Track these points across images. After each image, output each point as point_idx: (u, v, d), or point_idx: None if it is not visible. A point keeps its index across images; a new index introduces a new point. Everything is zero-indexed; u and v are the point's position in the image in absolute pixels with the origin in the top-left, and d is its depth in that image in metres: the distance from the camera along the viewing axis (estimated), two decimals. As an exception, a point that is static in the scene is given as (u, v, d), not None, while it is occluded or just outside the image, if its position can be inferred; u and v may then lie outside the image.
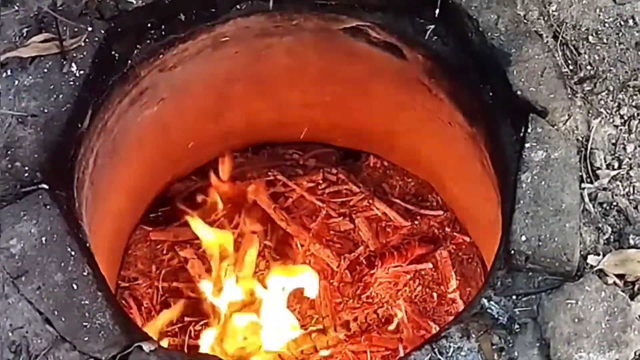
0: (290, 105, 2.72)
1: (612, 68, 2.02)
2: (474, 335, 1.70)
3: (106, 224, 2.28)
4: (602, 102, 1.98)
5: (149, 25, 2.08)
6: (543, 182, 1.82)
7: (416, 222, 2.85)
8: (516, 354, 1.67)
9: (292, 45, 2.36)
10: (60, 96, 1.87)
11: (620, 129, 1.96)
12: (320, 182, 2.94)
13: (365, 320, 2.62)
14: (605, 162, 1.92)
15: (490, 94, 2.03)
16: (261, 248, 2.80)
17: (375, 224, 2.86)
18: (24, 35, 1.96)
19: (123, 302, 2.62)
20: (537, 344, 1.68)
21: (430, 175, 2.87)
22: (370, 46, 2.27)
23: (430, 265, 2.76)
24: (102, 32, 1.97)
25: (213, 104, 2.57)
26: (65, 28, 1.93)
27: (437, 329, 2.52)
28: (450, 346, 1.69)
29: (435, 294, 2.74)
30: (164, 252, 2.77)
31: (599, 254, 1.79)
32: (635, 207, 1.86)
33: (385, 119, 2.65)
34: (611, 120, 1.97)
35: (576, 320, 1.66)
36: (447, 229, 2.84)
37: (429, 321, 2.67)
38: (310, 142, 3.01)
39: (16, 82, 1.89)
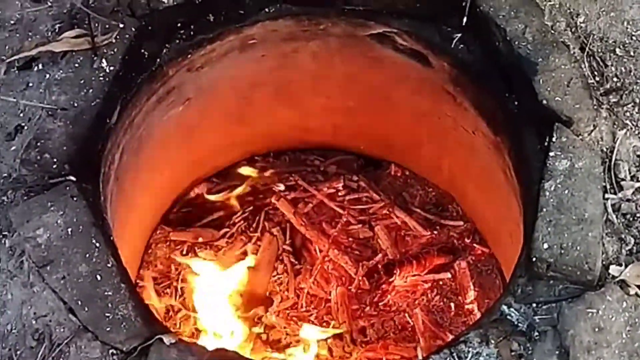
0: (314, 111, 2.73)
1: (638, 81, 2.03)
2: (493, 341, 1.70)
3: (128, 221, 2.30)
4: (628, 114, 1.99)
5: (178, 24, 2.11)
6: (566, 191, 1.82)
7: (436, 232, 2.85)
8: (535, 361, 1.67)
9: (318, 50, 2.38)
10: (90, 91, 1.91)
11: (646, 142, 1.96)
12: (341, 189, 2.94)
13: (382, 327, 2.62)
14: (630, 173, 1.91)
15: (516, 103, 2.04)
16: (280, 252, 2.81)
17: (395, 233, 2.86)
18: (57, 30, 2.01)
19: (141, 301, 2.63)
20: (557, 352, 1.67)
21: (451, 185, 2.87)
22: (396, 53, 2.29)
23: (449, 275, 2.76)
24: (133, 29, 2.00)
25: (237, 107, 2.59)
26: (97, 24, 1.97)
27: (454, 339, 2.52)
28: (469, 351, 1.69)
29: (452, 305, 2.73)
30: (184, 252, 2.78)
31: (621, 265, 1.78)
32: (659, 219, 1.86)
33: (408, 126, 2.66)
34: (636, 132, 1.97)
35: (596, 329, 1.66)
36: (466, 240, 2.84)
37: (446, 331, 2.66)
38: (331, 149, 3.03)
39: (47, 75, 1.93)
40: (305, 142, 2.97)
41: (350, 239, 2.85)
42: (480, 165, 2.38)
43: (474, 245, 2.82)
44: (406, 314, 2.69)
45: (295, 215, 2.84)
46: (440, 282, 2.76)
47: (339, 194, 2.94)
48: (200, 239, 2.80)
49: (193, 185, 2.90)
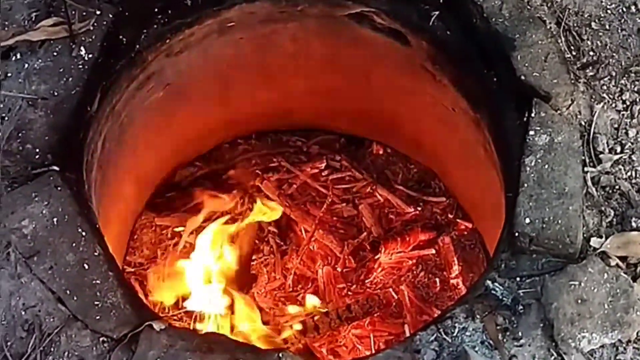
0: (294, 92, 2.73)
1: (614, 54, 2.04)
2: (478, 316, 1.72)
3: (113, 208, 2.30)
4: (605, 87, 2.01)
5: (156, 9, 2.10)
6: (547, 166, 1.84)
7: (419, 209, 2.87)
8: (520, 334, 1.70)
9: (297, 32, 2.38)
10: (70, 79, 1.90)
11: (623, 114, 1.98)
12: (324, 168, 2.95)
13: (366, 302, 2.64)
14: (608, 146, 1.94)
15: (494, 79, 2.05)
16: (265, 234, 2.82)
17: (379, 210, 2.88)
18: (33, 19, 1.98)
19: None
20: (541, 325, 1.70)
21: (433, 162, 2.88)
22: (374, 32, 2.29)
23: (433, 251, 2.78)
24: (110, 16, 2.00)
25: (218, 90, 2.59)
26: (74, 12, 1.96)
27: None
28: (455, 326, 1.72)
29: (437, 280, 2.76)
30: (169, 237, 2.79)
31: (601, 237, 1.81)
32: (638, 191, 1.88)
33: (388, 105, 2.67)
34: (614, 105, 1.99)
35: (579, 301, 1.69)
36: (449, 215, 2.86)
37: (431, 306, 2.68)
38: (313, 129, 3.03)
39: (26, 65, 1.92)
40: (287, 124, 2.97)
41: (335, 218, 2.87)
42: (461, 142, 2.40)
43: (457, 220, 2.84)
44: (392, 291, 2.72)
45: (280, 196, 2.85)
46: (425, 258, 2.78)
47: (322, 174, 2.95)
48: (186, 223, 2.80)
49: (177, 170, 2.90)
